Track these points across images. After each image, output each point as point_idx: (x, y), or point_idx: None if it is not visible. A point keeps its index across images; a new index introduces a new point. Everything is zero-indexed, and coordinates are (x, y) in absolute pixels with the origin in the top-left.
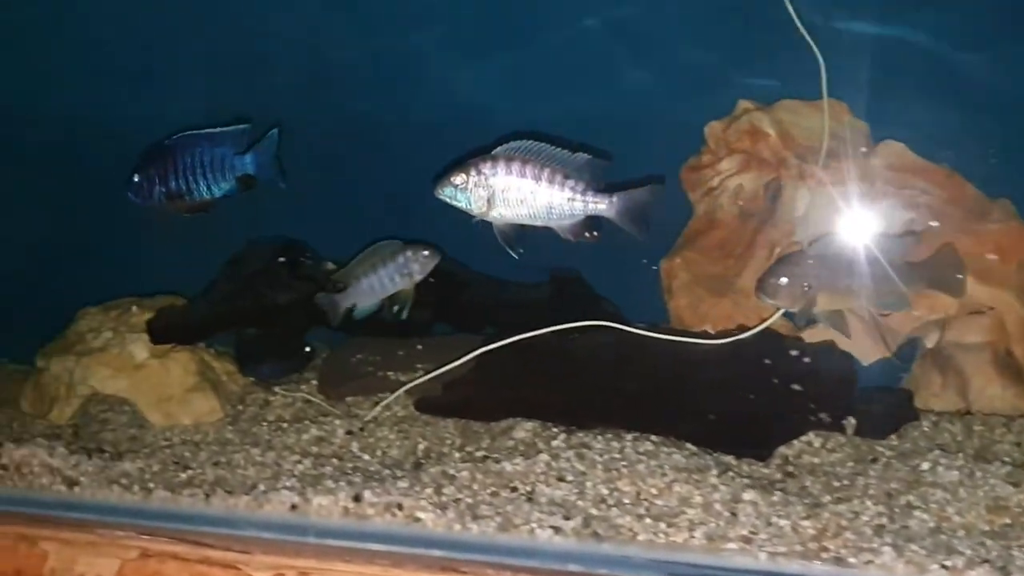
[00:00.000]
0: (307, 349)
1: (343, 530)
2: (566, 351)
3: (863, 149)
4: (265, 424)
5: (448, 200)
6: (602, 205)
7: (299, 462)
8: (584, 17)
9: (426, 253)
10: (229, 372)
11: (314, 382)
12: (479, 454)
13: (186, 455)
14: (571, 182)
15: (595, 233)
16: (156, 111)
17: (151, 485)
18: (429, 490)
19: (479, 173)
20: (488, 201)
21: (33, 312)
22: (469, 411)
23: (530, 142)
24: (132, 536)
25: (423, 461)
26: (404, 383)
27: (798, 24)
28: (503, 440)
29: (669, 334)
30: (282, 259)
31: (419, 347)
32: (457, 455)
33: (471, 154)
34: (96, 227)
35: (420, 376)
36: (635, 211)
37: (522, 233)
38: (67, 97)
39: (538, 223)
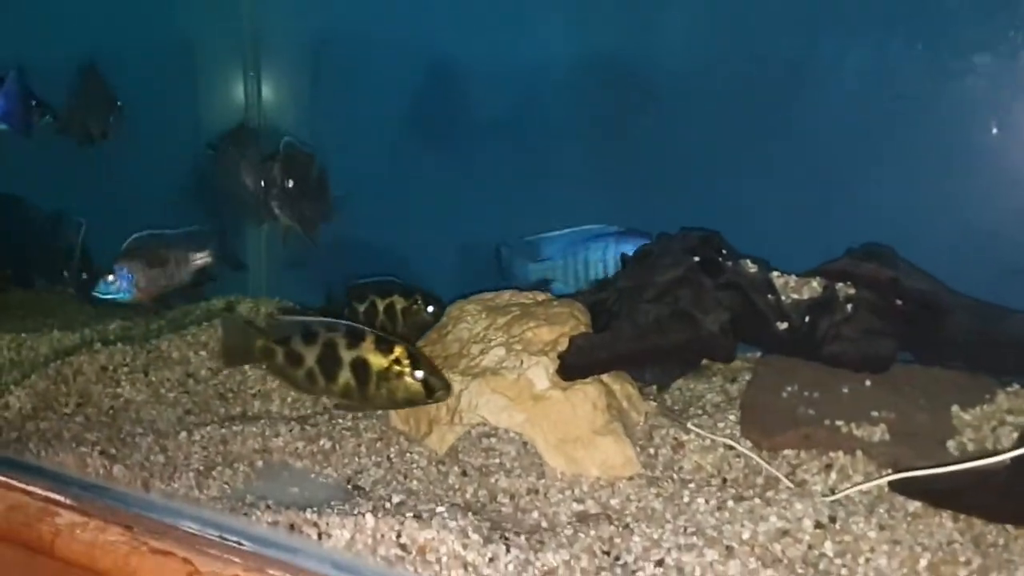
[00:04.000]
0: None
1: None
2: None
3: None
4: (695, 487)
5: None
6: (204, 256)
7: None
8: None
9: None
10: (629, 397)
11: (731, 417)
12: None
13: (616, 541)
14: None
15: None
16: None
17: None
18: None
19: (120, 269)
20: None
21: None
22: (977, 506)
23: (147, 233)
24: None
25: None
26: (862, 440)
27: None
28: None
29: None
30: (696, 258)
31: (868, 383)
32: None
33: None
34: None
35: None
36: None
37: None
38: None
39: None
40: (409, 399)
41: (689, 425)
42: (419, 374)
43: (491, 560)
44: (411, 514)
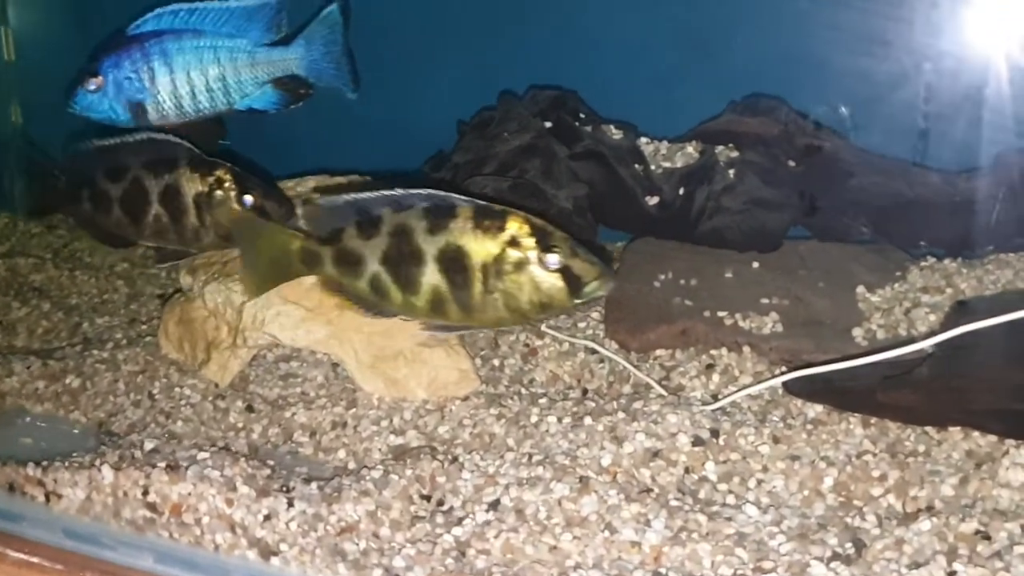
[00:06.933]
0: None
1: None
2: None
3: None
4: (547, 403)
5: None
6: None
7: (643, 520)
8: None
9: None
10: None
11: (595, 315)
12: (966, 525)
13: (439, 481)
14: None
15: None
16: None
17: (398, 565)
18: None
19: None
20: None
21: None
22: (891, 407)
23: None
24: None
25: (857, 527)
26: (750, 334)
27: None
28: (981, 480)
29: None
30: (548, 124)
31: (755, 265)
32: (926, 522)
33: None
34: None
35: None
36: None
37: None
38: None
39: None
40: (544, 303)
41: (543, 327)
42: (552, 259)
43: (267, 518)
44: (163, 464)
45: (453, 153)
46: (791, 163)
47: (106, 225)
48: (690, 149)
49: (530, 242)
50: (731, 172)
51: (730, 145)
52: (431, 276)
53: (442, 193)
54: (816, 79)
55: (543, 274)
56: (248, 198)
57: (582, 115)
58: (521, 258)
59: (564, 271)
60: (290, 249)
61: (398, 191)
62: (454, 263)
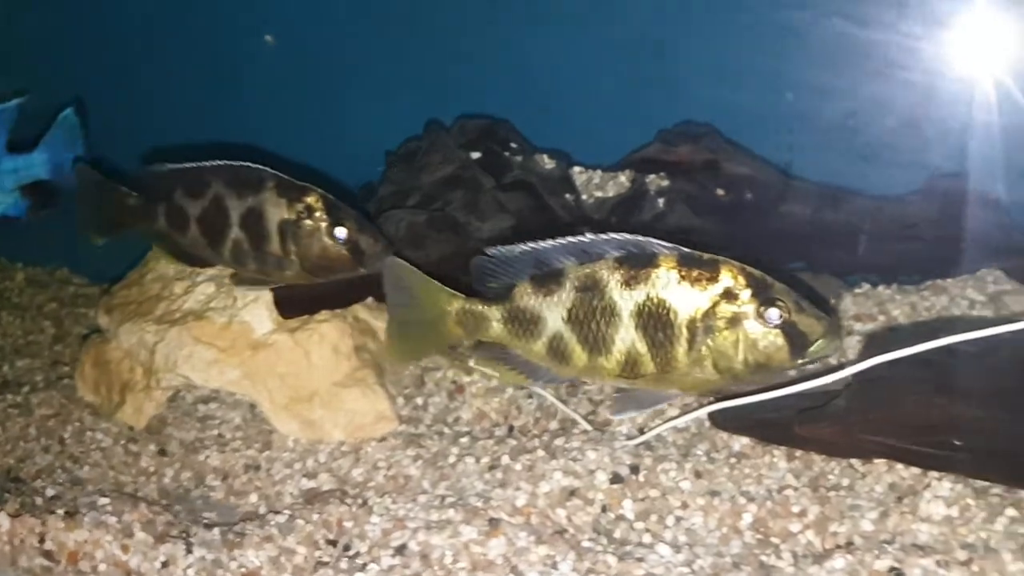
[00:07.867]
0: None
1: None
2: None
3: None
4: (468, 443)
5: None
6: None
7: (551, 562)
8: None
9: None
10: None
11: None
12: (880, 562)
13: (347, 525)
14: None
15: None
16: None
17: None
18: None
19: None
20: None
21: None
22: (815, 439)
23: None
24: None
25: (772, 566)
26: None
27: None
28: (901, 515)
29: None
30: (476, 154)
31: None
32: (840, 560)
33: None
34: None
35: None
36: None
37: None
38: None
39: None
40: (761, 363)
41: (471, 363)
42: (773, 314)
43: (165, 565)
44: (62, 510)
45: (380, 185)
46: (720, 191)
47: (183, 244)
48: (623, 178)
49: (747, 294)
50: (661, 201)
51: (661, 174)
52: (627, 334)
53: (638, 239)
54: (750, 105)
55: (761, 331)
56: (341, 231)
57: (513, 144)
58: (737, 312)
59: (786, 327)
60: (446, 310)
61: (585, 237)
62: (655, 319)
